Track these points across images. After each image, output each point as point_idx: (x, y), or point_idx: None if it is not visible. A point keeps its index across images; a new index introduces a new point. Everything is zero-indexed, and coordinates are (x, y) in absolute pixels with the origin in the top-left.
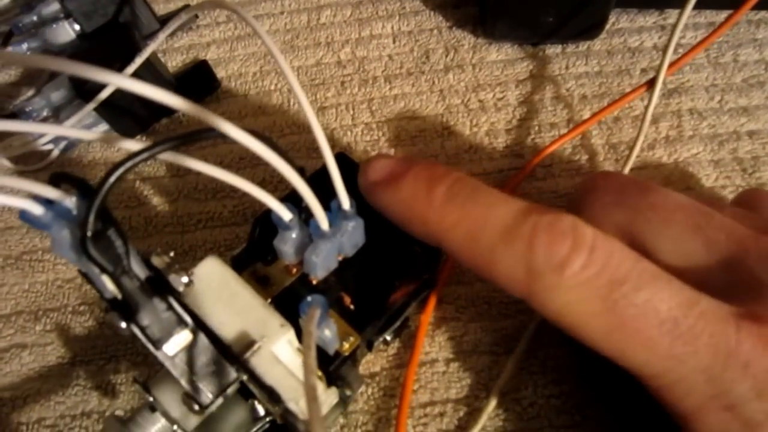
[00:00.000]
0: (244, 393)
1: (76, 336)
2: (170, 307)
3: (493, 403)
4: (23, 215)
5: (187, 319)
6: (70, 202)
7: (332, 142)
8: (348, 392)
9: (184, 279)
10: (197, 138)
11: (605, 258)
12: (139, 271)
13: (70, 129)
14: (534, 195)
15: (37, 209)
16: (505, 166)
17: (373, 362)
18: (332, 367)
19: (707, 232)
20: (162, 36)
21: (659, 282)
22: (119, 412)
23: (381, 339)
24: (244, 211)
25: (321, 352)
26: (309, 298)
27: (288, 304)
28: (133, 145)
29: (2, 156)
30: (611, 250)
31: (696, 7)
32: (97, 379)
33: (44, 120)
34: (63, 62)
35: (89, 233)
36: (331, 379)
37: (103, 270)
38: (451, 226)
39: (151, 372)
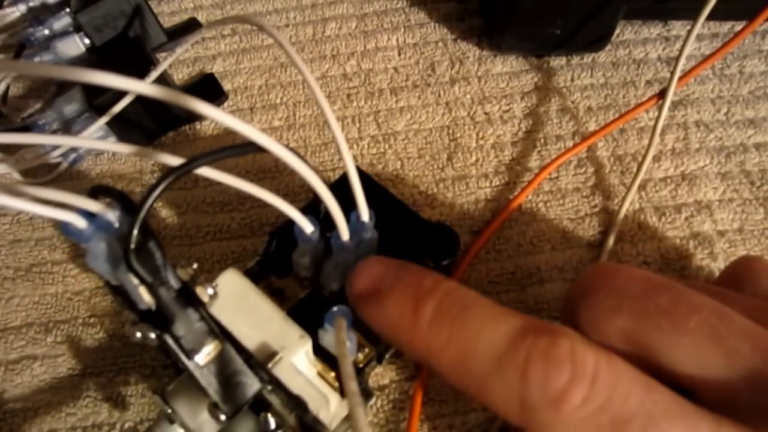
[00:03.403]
0: (255, 407)
1: (87, 348)
2: (202, 318)
3: None
4: (65, 228)
5: (216, 329)
6: (112, 215)
7: (338, 155)
8: None
9: (210, 291)
10: (236, 153)
11: (609, 390)
12: (174, 282)
13: (112, 143)
14: (541, 208)
15: (80, 222)
16: (512, 179)
17: (382, 375)
18: None
19: (728, 341)
20: (179, 50)
21: (670, 417)
22: (129, 424)
23: (392, 351)
24: (251, 223)
25: (337, 362)
26: (335, 308)
27: (303, 316)
28: (167, 158)
29: (13, 168)
30: (616, 378)
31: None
32: (108, 390)
33: (54, 133)
34: (117, 78)
35: (133, 246)
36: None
37: (143, 281)
38: (438, 350)
39: (159, 384)
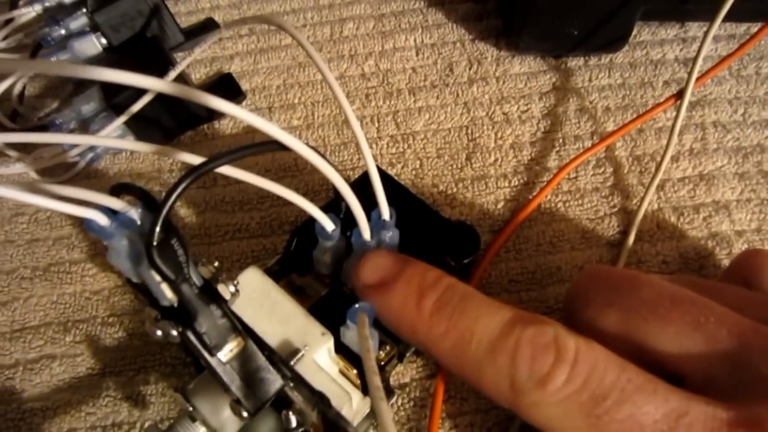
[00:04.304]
0: (276, 404)
1: (106, 347)
2: (225, 314)
3: None
4: (88, 225)
5: (239, 326)
6: (135, 212)
7: (357, 155)
8: None
9: (232, 288)
10: (258, 151)
11: (588, 371)
12: (196, 279)
13: (133, 142)
14: (560, 207)
15: (103, 220)
16: (531, 178)
17: (402, 373)
18: None
19: (707, 327)
20: (198, 50)
21: (643, 394)
22: (150, 423)
23: (413, 349)
24: (270, 222)
25: (359, 360)
26: (357, 305)
27: (324, 313)
28: (188, 157)
29: (30, 168)
30: (594, 361)
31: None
32: (128, 390)
33: (71, 132)
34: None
35: (155, 242)
36: (367, 389)
37: (165, 278)
38: (438, 337)
39: (180, 383)
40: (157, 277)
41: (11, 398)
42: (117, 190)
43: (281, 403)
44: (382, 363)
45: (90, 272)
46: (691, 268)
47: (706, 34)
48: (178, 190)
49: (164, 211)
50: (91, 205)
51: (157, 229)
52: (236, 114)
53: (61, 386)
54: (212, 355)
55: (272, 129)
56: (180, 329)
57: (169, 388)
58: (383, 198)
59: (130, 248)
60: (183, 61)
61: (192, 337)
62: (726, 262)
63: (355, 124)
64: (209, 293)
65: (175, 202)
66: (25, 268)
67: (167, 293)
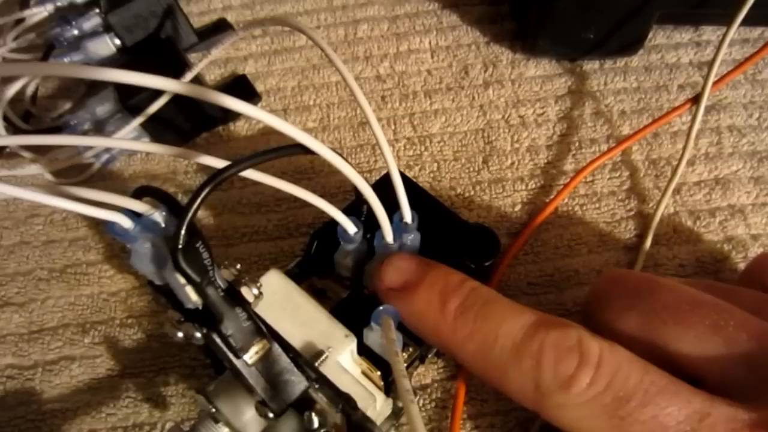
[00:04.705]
0: (298, 406)
1: (125, 348)
2: (250, 317)
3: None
4: (110, 228)
5: (264, 328)
6: (158, 215)
7: (374, 157)
8: (400, 404)
9: (255, 291)
10: (282, 155)
11: (612, 373)
12: (221, 281)
13: (154, 145)
14: (577, 211)
15: (127, 223)
16: (548, 182)
17: (424, 374)
18: (392, 377)
19: (727, 331)
20: (215, 52)
21: (666, 395)
22: (171, 424)
23: (434, 351)
24: (288, 225)
25: (382, 361)
26: (381, 308)
27: (345, 316)
28: (209, 160)
29: (45, 169)
30: (618, 363)
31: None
32: (148, 391)
33: (86, 133)
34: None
35: (180, 246)
36: (389, 390)
37: (191, 281)
38: (463, 340)
39: (200, 384)
40: (182, 280)
41: (31, 399)
42: (139, 193)
43: (303, 404)
44: (405, 364)
45: (107, 274)
46: (708, 272)
47: (723, 38)
48: (204, 193)
49: (190, 215)
50: (114, 208)
51: (183, 231)
52: (261, 118)
53: (81, 387)
54: (238, 357)
55: (296, 132)
56: (205, 331)
57: (189, 389)
58: (405, 201)
59: (153, 251)
60: (200, 63)
61: (218, 340)
62: (742, 266)
63: (376, 125)
64: (233, 296)
65: (200, 205)
66: (42, 270)
67: (192, 296)
